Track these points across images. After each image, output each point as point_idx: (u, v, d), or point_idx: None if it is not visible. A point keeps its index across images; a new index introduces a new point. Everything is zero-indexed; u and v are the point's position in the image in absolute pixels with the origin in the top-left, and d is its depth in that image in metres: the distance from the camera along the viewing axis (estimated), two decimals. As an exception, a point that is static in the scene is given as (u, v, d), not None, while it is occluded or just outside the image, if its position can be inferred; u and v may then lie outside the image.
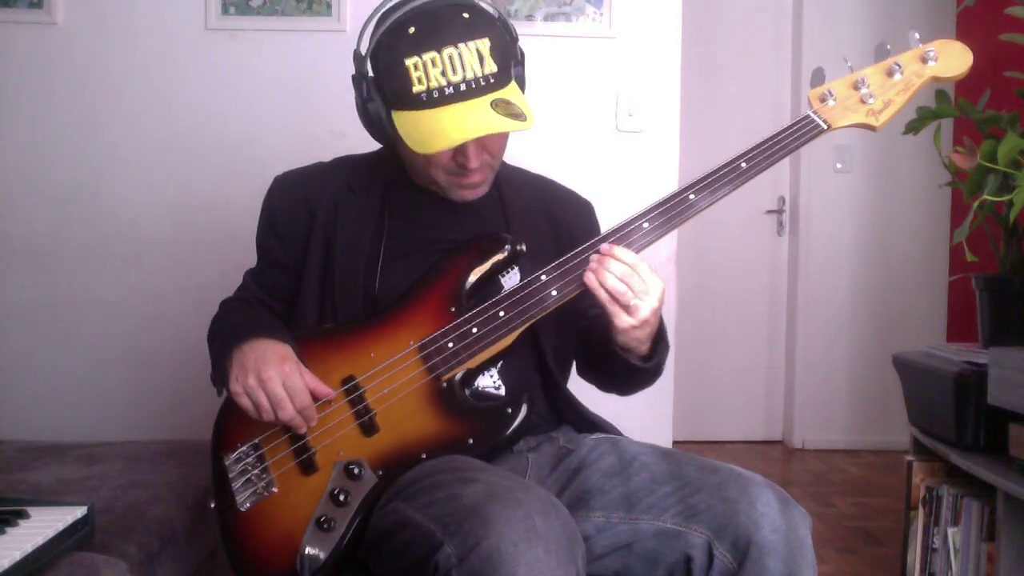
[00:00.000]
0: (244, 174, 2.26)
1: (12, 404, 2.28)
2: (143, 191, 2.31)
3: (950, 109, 1.90)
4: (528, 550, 0.94)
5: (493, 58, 1.18)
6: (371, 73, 1.22)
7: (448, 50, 1.15)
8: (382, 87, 1.21)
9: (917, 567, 1.94)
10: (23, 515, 1.11)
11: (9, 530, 1.06)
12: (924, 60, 1.24)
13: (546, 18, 2.33)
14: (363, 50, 1.24)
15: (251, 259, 1.44)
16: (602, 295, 1.15)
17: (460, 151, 1.22)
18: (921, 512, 1.94)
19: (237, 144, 2.29)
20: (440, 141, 1.16)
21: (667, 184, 2.34)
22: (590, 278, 1.16)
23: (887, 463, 3.59)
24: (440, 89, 1.15)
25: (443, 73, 1.15)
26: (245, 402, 1.18)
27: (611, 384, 1.38)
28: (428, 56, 1.15)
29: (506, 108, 1.18)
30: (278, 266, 1.36)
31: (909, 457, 2.01)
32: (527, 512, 0.97)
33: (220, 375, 1.24)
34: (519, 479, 1.09)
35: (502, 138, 1.28)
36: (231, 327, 1.28)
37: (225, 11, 2.29)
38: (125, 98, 2.29)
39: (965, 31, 3.67)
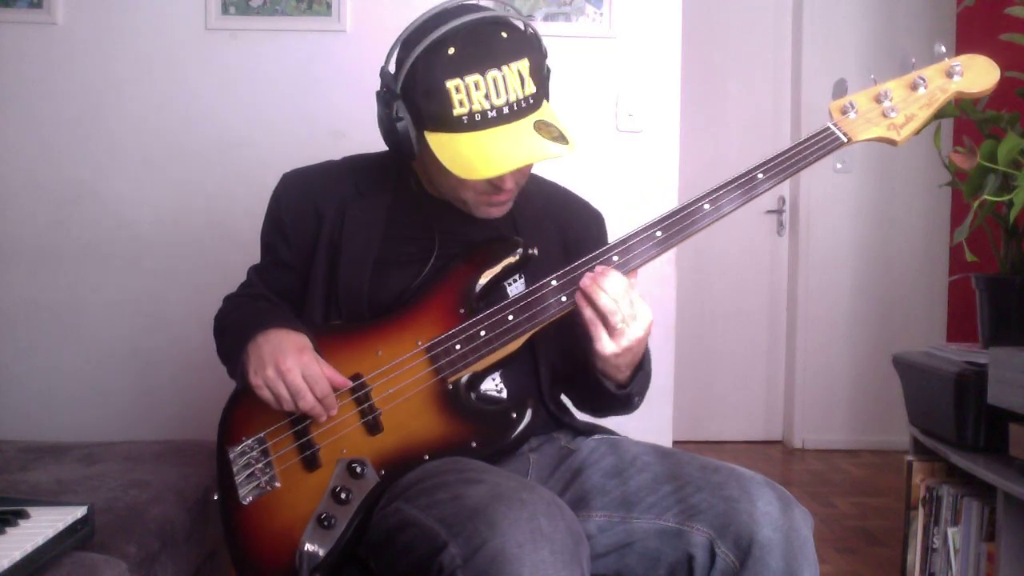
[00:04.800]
0: (244, 174, 2.26)
1: (12, 404, 2.28)
2: (143, 191, 2.31)
3: (950, 109, 1.89)
4: (533, 551, 0.94)
5: (533, 79, 1.16)
6: (401, 91, 1.18)
7: (492, 73, 1.13)
8: (417, 107, 1.16)
9: (917, 567, 1.94)
10: (23, 515, 1.11)
11: (9, 530, 1.06)
12: (949, 75, 1.21)
13: (546, 18, 2.33)
14: (392, 68, 1.20)
15: (251, 259, 1.43)
16: (588, 313, 1.14)
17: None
18: (921, 512, 1.94)
19: (237, 144, 2.29)
20: (487, 168, 1.13)
21: (667, 184, 2.34)
22: (580, 295, 1.14)
23: (887, 463, 3.59)
24: (483, 112, 1.13)
25: (486, 96, 1.13)
26: (266, 394, 1.17)
27: (585, 404, 1.37)
28: (471, 79, 1.13)
29: (547, 131, 1.16)
30: (283, 266, 1.36)
31: (909, 457, 2.01)
32: (532, 513, 0.97)
33: (237, 369, 1.24)
34: (523, 480, 1.09)
35: None
36: (244, 320, 1.27)
37: (225, 11, 2.28)
38: (125, 98, 2.29)
39: (965, 31, 3.67)
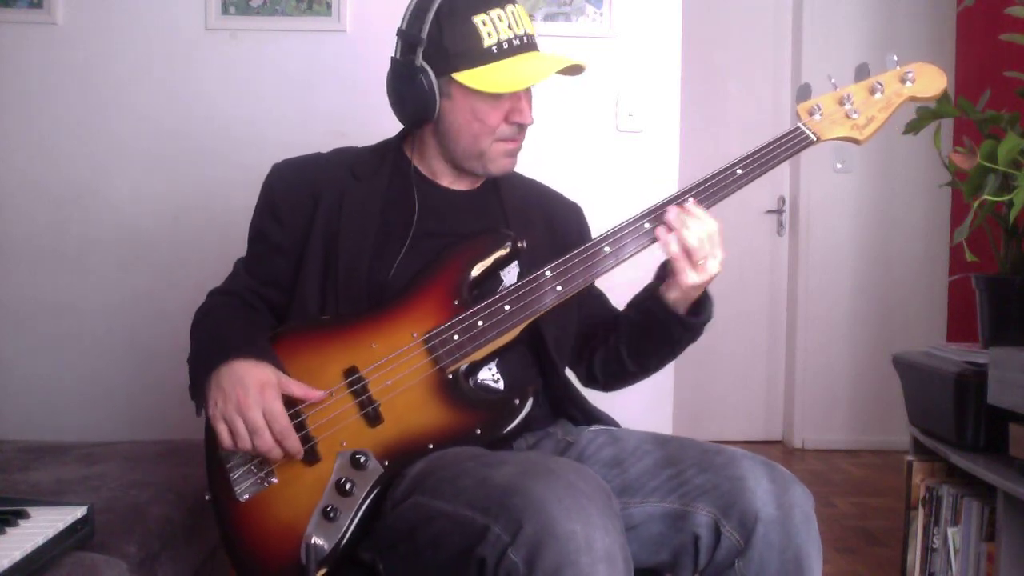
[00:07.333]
0: (244, 174, 2.25)
1: (12, 404, 2.28)
2: (143, 191, 2.31)
3: (950, 109, 1.90)
4: (580, 511, 0.96)
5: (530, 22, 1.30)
6: (426, 39, 1.24)
7: (510, 7, 1.26)
8: (444, 51, 1.24)
9: (917, 567, 1.94)
10: (23, 515, 1.11)
11: (9, 530, 1.06)
12: (903, 80, 1.32)
13: (546, 18, 2.33)
14: (406, 26, 1.27)
15: (251, 259, 1.43)
16: (673, 248, 1.19)
17: (516, 109, 1.28)
18: (921, 512, 1.94)
19: (237, 144, 2.29)
20: (530, 78, 1.24)
21: (667, 184, 2.34)
22: (663, 230, 1.19)
23: (887, 463, 3.59)
24: (509, 40, 1.25)
25: (510, 26, 1.25)
26: (222, 428, 1.17)
27: (631, 358, 1.35)
28: (495, 12, 1.24)
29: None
30: (275, 251, 1.35)
31: (909, 457, 2.01)
32: (566, 479, 0.99)
33: (198, 392, 1.24)
34: (542, 455, 1.10)
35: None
36: (213, 340, 1.27)
37: (225, 11, 2.29)
38: (125, 98, 2.29)
39: (965, 31, 3.67)
